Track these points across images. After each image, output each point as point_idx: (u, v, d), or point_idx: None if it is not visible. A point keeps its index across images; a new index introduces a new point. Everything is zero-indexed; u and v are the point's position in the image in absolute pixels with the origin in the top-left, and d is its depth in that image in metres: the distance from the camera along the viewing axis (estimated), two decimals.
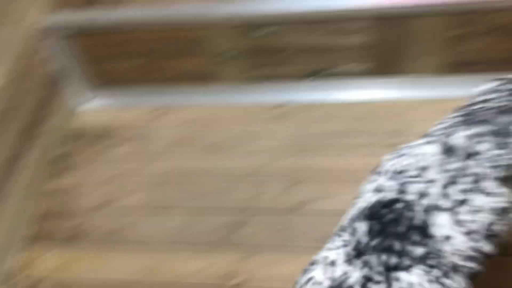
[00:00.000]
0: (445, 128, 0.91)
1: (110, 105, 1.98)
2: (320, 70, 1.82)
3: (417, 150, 0.88)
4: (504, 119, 0.88)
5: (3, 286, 1.53)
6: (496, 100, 0.94)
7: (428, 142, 0.88)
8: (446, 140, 0.87)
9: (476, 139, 0.86)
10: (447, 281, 0.72)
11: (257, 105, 1.89)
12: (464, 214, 0.78)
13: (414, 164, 0.84)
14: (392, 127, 1.69)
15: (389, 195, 0.80)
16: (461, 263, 0.76)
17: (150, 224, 1.60)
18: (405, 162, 0.85)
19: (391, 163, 0.88)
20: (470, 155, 0.83)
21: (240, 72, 1.85)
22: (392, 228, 0.75)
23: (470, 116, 0.91)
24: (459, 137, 0.87)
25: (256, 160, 1.72)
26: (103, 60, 1.86)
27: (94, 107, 1.99)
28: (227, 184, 1.67)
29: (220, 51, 1.77)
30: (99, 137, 1.88)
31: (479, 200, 0.79)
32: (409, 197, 0.79)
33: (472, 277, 0.78)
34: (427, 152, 0.86)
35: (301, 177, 1.64)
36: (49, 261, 1.56)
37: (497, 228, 0.80)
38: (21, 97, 1.63)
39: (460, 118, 0.92)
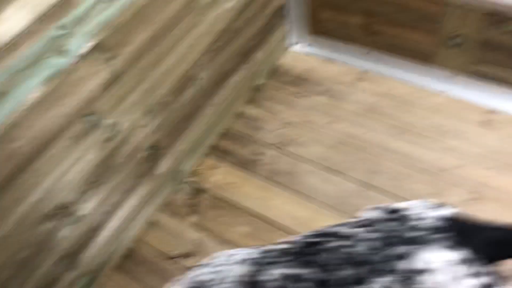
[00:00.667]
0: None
1: (320, 54, 1.97)
2: None
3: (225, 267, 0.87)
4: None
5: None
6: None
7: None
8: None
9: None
10: None
11: (470, 103, 1.71)
12: None
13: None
14: None
15: None
16: None
17: (318, 179, 1.59)
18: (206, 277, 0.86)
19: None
20: None
21: (466, 63, 1.67)
22: None
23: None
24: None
25: (445, 159, 1.57)
26: (328, 9, 1.84)
27: (305, 51, 2.00)
28: (406, 172, 1.56)
29: (454, 35, 1.62)
30: (299, 80, 1.89)
31: None
32: None
33: None
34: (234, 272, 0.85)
35: (484, 194, 1.47)
36: (216, 176, 1.66)
37: None
38: (249, 21, 1.70)
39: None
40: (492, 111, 1.67)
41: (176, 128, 1.55)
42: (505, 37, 1.53)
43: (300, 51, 2.01)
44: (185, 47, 1.43)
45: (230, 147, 1.73)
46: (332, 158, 1.64)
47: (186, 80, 1.49)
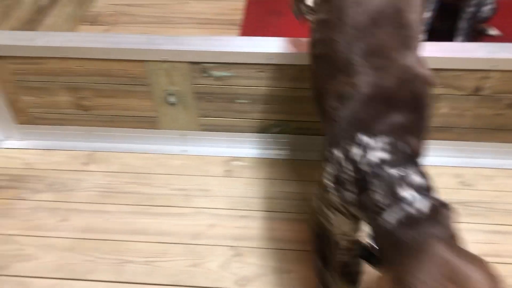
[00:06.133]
0: None
1: (37, 146, 1.68)
2: (280, 124, 1.59)
3: None
4: None
5: None
6: None
7: None
8: None
9: None
10: None
11: (210, 157, 1.63)
12: None
13: None
14: None
15: None
16: None
17: None
18: None
19: None
20: None
21: (191, 119, 1.60)
22: None
23: None
24: None
25: (198, 221, 1.44)
26: (27, 94, 1.57)
27: (17, 146, 1.68)
28: (161, 250, 1.37)
29: (167, 93, 1.52)
30: (16, 182, 1.56)
31: None
32: None
33: None
34: None
35: (243, 248, 1.37)
36: None
37: None
38: None
39: None
40: (233, 159, 1.62)
41: None
42: (214, 83, 1.49)
43: (12, 147, 1.68)
44: None
45: None
46: (70, 263, 1.34)
47: None
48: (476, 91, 1.45)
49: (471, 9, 1.89)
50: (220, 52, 1.42)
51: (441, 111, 1.50)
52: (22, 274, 1.31)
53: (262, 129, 1.61)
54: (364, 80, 0.86)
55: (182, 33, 2.24)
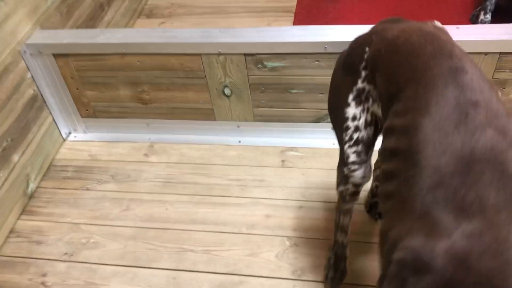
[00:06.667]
0: None
1: (100, 138, 1.76)
2: None
3: None
4: None
5: None
6: None
7: None
8: None
9: None
10: None
11: (265, 147, 1.64)
12: None
13: None
14: None
15: None
16: None
17: (123, 283, 1.32)
18: None
19: None
20: None
21: (246, 110, 1.61)
22: None
23: None
24: None
25: (255, 212, 1.46)
26: (90, 89, 1.64)
27: (82, 138, 1.77)
28: (219, 240, 1.40)
29: (223, 85, 1.54)
30: (81, 173, 1.64)
31: None
32: None
33: None
34: None
35: (299, 239, 1.37)
36: None
37: None
38: (5, 116, 1.43)
39: None
40: (288, 149, 1.62)
41: None
42: (268, 74, 1.49)
43: (77, 139, 1.77)
44: None
45: (3, 279, 1.38)
46: (134, 251, 1.40)
47: None
48: None
49: None
50: (274, 43, 1.42)
51: (508, 96, 1.43)
52: (89, 261, 1.38)
53: (317, 119, 1.60)
54: (446, 247, 0.60)
55: (237, 22, 2.25)
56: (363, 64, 0.95)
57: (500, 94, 0.97)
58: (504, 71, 1.37)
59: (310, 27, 1.46)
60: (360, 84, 0.96)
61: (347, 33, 1.39)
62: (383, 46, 0.90)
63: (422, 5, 2.14)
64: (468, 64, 0.76)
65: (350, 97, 0.98)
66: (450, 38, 0.87)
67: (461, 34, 1.35)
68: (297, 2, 2.30)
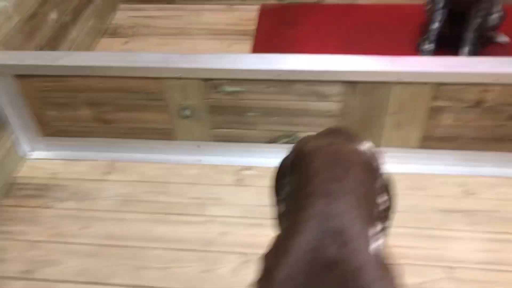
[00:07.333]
0: None
1: (61, 156, 1.79)
2: (289, 134, 1.66)
3: None
4: None
5: None
6: None
7: None
8: None
9: None
10: None
11: (222, 166, 1.71)
12: None
13: None
14: None
15: None
16: None
17: None
18: None
19: None
20: None
21: (204, 131, 1.68)
22: None
23: None
24: None
25: (211, 229, 1.52)
26: (52, 108, 1.68)
27: (43, 156, 1.79)
28: (175, 256, 1.46)
29: (182, 107, 1.61)
30: (41, 190, 1.67)
31: None
32: None
33: None
34: None
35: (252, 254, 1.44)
36: None
37: None
38: None
39: None
40: (245, 168, 1.70)
41: None
42: (226, 98, 1.58)
43: (38, 157, 1.80)
44: None
45: None
46: (92, 268, 1.44)
47: None
48: (478, 103, 1.50)
49: (478, 20, 1.93)
50: (232, 70, 1.50)
51: (445, 122, 1.56)
52: (48, 278, 1.41)
53: (272, 139, 1.69)
54: None
55: (198, 44, 2.33)
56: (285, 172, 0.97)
57: None
58: (440, 100, 1.50)
59: (266, 56, 1.55)
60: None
61: (299, 62, 1.50)
62: (294, 159, 0.93)
63: (373, 35, 2.28)
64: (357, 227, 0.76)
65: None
66: (374, 171, 0.88)
67: (403, 65, 1.47)
68: (257, 26, 2.40)
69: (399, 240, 1.48)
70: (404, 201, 1.58)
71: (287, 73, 1.49)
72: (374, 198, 0.88)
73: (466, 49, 1.98)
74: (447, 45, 2.07)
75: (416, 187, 1.62)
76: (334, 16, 2.43)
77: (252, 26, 2.41)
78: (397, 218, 1.54)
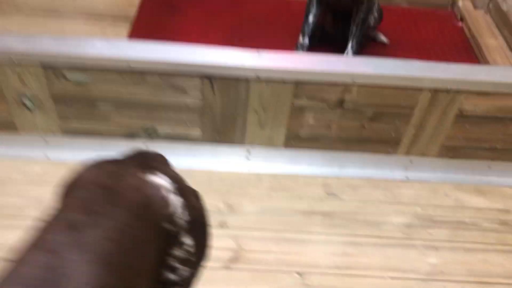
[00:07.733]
0: None
1: None
2: (147, 129, 1.53)
3: None
4: None
5: None
6: None
7: None
8: None
9: None
10: None
11: (65, 164, 1.55)
12: None
13: None
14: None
15: None
16: None
17: None
18: None
19: None
20: None
21: (51, 123, 1.51)
22: None
23: None
24: None
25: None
26: None
27: None
28: None
29: (20, 97, 1.43)
30: None
31: None
32: None
33: None
34: None
35: None
36: None
37: None
38: None
39: None
40: None
41: None
42: (72, 87, 1.41)
43: None
44: None
45: None
46: None
47: None
48: (340, 103, 1.46)
49: (361, 16, 1.90)
50: (73, 56, 1.34)
51: (307, 122, 1.50)
52: None
53: (130, 134, 1.55)
54: None
55: (68, 27, 2.12)
56: None
57: None
58: (302, 99, 1.44)
59: (115, 42, 1.41)
60: None
61: (151, 51, 1.37)
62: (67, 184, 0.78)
63: (260, 29, 2.20)
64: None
65: None
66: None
67: (262, 60, 1.39)
68: (138, 11, 2.24)
69: (255, 245, 1.41)
70: (265, 203, 1.52)
71: (137, 63, 1.36)
72: (150, 248, 0.71)
73: (350, 44, 1.94)
74: (330, 43, 2.03)
75: (280, 189, 1.56)
76: (223, 6, 2.32)
77: (132, 11, 2.24)
78: (257, 222, 1.48)
